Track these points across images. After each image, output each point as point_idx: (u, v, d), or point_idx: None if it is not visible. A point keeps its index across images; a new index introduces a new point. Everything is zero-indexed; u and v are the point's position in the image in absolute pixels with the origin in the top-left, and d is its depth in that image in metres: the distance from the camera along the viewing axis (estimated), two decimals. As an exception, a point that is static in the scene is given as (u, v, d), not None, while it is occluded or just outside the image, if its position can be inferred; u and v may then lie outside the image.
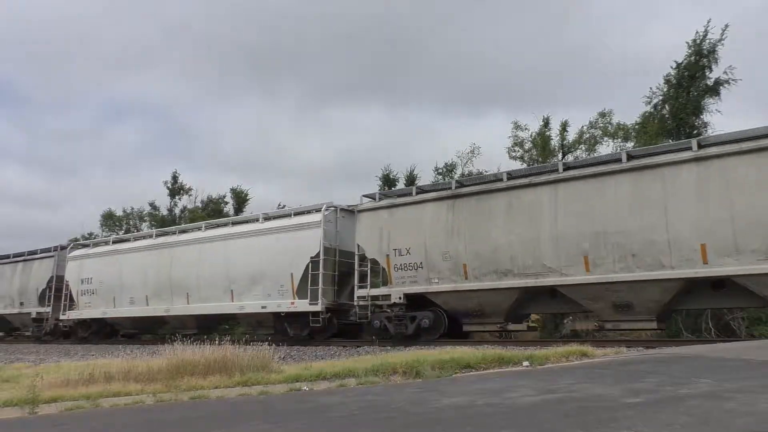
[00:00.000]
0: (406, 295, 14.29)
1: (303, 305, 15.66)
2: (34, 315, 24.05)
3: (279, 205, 29.69)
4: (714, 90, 18.26)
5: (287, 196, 70.80)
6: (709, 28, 18.33)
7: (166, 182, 35.10)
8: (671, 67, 18.97)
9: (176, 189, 34.89)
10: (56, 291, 23.24)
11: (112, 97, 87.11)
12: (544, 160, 22.46)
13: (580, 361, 8.49)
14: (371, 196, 15.79)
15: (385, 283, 14.93)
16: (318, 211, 16.32)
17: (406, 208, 14.68)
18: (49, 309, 23.41)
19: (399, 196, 15.36)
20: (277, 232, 16.89)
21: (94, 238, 30.39)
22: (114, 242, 22.91)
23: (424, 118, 67.58)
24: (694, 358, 7.78)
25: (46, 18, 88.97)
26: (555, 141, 24.17)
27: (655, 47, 51.41)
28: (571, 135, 24.08)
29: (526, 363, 8.54)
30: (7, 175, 72.68)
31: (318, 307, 15.35)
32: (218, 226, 19.40)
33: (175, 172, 34.82)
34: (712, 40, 18.29)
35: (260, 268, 16.78)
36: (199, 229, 19.68)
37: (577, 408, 4.66)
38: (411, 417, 4.80)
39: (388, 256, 14.62)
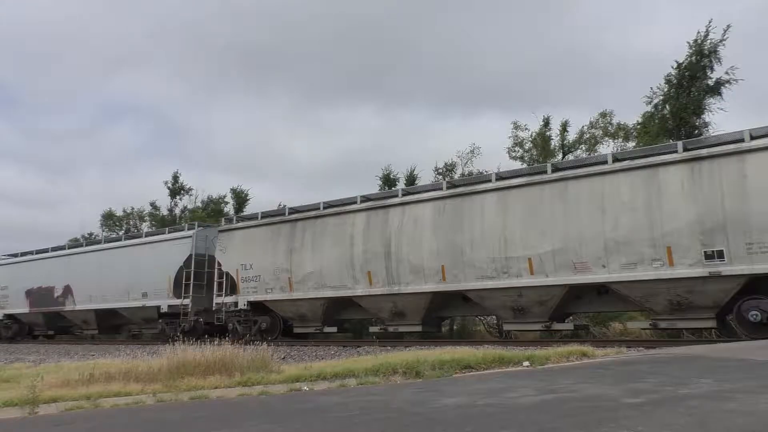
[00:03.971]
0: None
1: None
2: None
3: (279, 204, 29.06)
4: (715, 90, 18.24)
5: (285, 195, 70.78)
6: (710, 29, 18.32)
7: (166, 182, 35.12)
8: (672, 67, 18.95)
9: (177, 189, 34.89)
10: None
11: (110, 98, 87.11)
12: (544, 160, 22.44)
13: (581, 362, 8.50)
14: None
15: None
16: None
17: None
18: None
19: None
20: None
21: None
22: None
23: (420, 118, 67.55)
24: (694, 359, 7.78)
25: (43, 18, 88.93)
26: (555, 141, 24.20)
27: (655, 47, 51.33)
28: (572, 135, 24.11)
29: (526, 363, 8.54)
30: (3, 175, 72.70)
31: None
32: None
33: (176, 173, 34.86)
34: (713, 41, 18.27)
35: None
36: None
37: (577, 408, 4.66)
38: (411, 417, 4.79)
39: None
